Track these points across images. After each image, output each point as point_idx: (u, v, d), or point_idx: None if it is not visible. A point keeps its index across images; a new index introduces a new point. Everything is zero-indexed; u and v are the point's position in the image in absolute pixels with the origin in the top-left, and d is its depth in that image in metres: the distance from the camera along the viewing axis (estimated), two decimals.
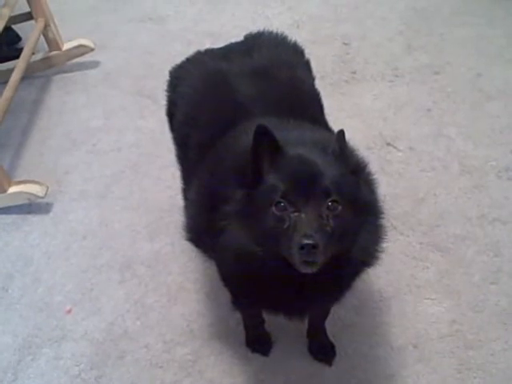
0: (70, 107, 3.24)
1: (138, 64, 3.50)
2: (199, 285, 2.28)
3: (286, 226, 1.36)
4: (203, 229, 1.65)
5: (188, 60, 2.12)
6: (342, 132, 1.47)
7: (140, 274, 2.35)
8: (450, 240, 2.37)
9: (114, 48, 3.65)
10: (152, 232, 2.50)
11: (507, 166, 2.65)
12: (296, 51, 2.13)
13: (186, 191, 1.90)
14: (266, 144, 1.43)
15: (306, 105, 1.80)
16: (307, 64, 2.14)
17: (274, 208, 1.38)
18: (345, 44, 3.52)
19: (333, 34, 3.60)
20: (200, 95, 1.94)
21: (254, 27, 2.24)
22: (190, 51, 2.17)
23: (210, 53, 2.14)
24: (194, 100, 1.95)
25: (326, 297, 1.61)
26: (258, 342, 2.07)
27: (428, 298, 2.19)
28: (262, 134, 1.42)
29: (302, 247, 1.29)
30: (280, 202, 1.38)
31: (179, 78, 2.07)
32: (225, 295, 1.78)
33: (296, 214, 1.36)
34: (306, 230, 1.32)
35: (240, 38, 2.20)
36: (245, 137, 1.55)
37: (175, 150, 2.04)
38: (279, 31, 2.17)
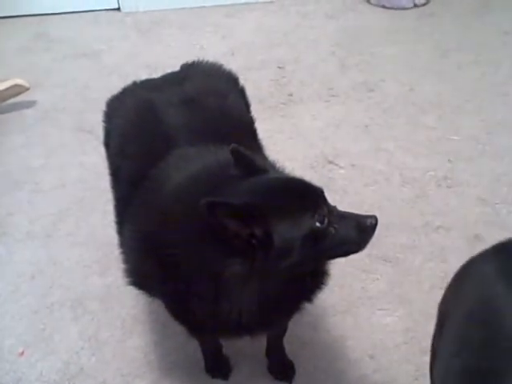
0: (8, 148, 3.19)
1: (75, 100, 3.48)
2: (154, 315, 2.25)
3: (333, 232, 1.45)
4: (147, 275, 1.61)
5: (123, 91, 2.13)
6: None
7: (92, 309, 2.31)
8: (398, 250, 2.42)
9: (50, 86, 3.62)
10: (102, 266, 2.47)
11: (445, 174, 2.75)
12: (229, 79, 2.16)
13: (119, 224, 1.86)
14: (232, 212, 1.33)
15: (234, 132, 1.80)
16: (241, 91, 2.17)
17: (317, 225, 1.42)
18: (280, 68, 3.59)
19: (267, 59, 3.68)
20: (129, 126, 1.93)
21: (190, 57, 2.27)
22: (128, 84, 2.18)
23: (144, 83, 2.16)
24: (124, 131, 1.94)
25: (288, 311, 1.63)
26: (217, 367, 2.06)
27: (381, 309, 2.23)
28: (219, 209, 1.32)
29: (375, 224, 1.49)
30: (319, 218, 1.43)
31: (114, 108, 2.07)
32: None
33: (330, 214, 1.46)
34: (355, 216, 1.51)
35: (177, 68, 2.22)
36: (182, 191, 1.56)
37: (110, 181, 1.99)
38: (215, 60, 2.21)
